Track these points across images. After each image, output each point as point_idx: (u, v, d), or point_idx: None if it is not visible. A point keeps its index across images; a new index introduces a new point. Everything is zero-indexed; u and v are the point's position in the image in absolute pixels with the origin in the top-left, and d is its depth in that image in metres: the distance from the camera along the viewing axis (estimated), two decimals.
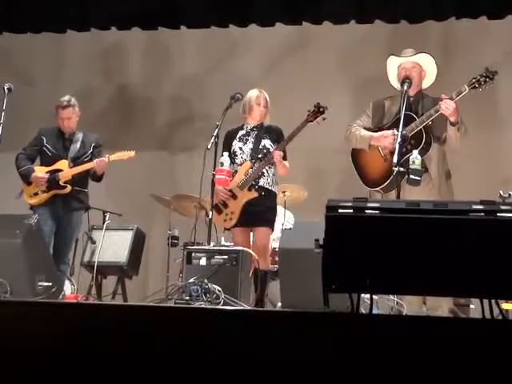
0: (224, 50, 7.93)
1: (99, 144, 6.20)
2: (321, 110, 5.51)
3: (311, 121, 5.50)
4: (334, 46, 7.57)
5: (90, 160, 6.05)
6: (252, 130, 5.65)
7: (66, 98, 6.11)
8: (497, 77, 4.80)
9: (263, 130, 5.62)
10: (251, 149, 5.58)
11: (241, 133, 5.66)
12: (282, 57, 7.75)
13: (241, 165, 5.56)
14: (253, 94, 5.63)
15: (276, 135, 5.59)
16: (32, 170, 6.00)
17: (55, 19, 7.44)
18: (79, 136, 6.14)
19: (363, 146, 5.11)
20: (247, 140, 5.62)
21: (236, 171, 5.56)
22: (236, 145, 5.62)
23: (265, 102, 5.62)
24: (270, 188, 5.55)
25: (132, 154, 6.16)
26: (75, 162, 6.04)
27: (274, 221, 5.60)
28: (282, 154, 5.46)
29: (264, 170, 5.53)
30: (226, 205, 5.52)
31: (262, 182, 5.53)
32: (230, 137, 5.67)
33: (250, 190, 5.50)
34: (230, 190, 5.49)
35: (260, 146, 5.56)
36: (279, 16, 7.11)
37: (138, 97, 8.19)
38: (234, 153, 5.60)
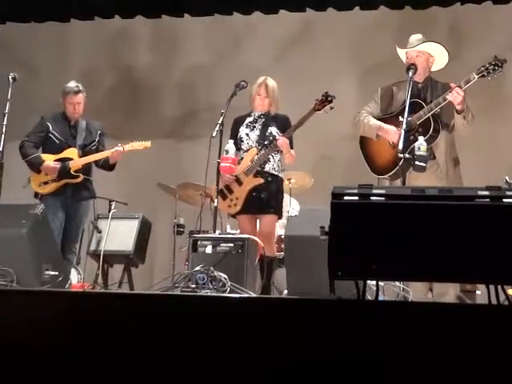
0: (231, 39, 7.90)
1: (104, 132, 6.18)
2: (329, 99, 5.47)
3: (319, 109, 5.48)
4: (340, 33, 7.53)
5: (97, 148, 6.04)
6: (259, 117, 5.63)
7: (74, 83, 6.07)
8: (508, 62, 4.78)
9: (270, 118, 5.60)
10: (258, 135, 5.57)
11: (248, 119, 5.65)
12: (288, 44, 7.72)
13: (247, 151, 5.56)
14: (255, 83, 5.61)
15: (283, 124, 5.57)
16: (41, 159, 5.92)
17: (59, 8, 7.43)
18: (83, 123, 6.09)
19: (371, 135, 5.11)
20: (254, 127, 5.61)
21: (242, 158, 5.55)
22: (243, 131, 5.61)
23: (265, 91, 5.56)
24: (275, 173, 5.54)
25: (148, 144, 6.08)
26: (83, 150, 6.00)
27: (281, 207, 5.59)
28: (287, 141, 5.45)
29: (270, 156, 5.53)
30: (231, 190, 5.53)
31: (267, 167, 5.53)
32: (237, 123, 5.67)
33: (255, 176, 5.50)
34: (236, 176, 5.49)
35: (267, 133, 5.55)
36: (282, 3, 7.08)
37: (144, 85, 8.18)
38: (241, 139, 5.59)
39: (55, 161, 5.93)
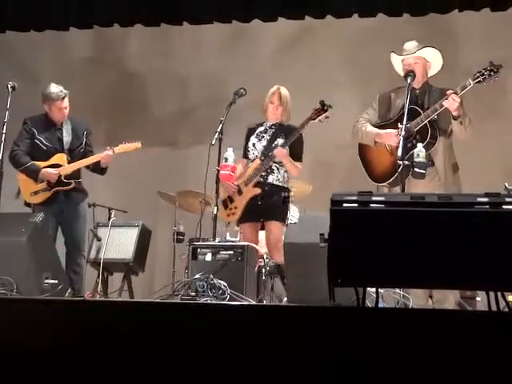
0: (229, 44, 7.91)
1: (90, 131, 6.01)
2: (325, 108, 5.44)
3: (313, 119, 5.44)
4: (338, 40, 7.55)
5: (85, 150, 5.91)
6: (270, 127, 5.61)
7: (57, 87, 5.84)
8: (505, 68, 4.79)
9: (281, 129, 5.56)
10: (264, 146, 5.54)
11: (259, 129, 5.63)
12: (286, 51, 7.73)
13: (253, 161, 5.55)
14: (269, 92, 5.58)
15: (292, 135, 5.48)
16: (37, 166, 5.74)
17: (58, 17, 7.44)
18: (68, 124, 5.90)
19: (368, 143, 5.11)
20: (263, 137, 5.59)
21: (249, 167, 5.55)
22: (251, 141, 5.60)
23: (278, 99, 5.54)
24: (279, 184, 5.52)
25: (138, 145, 6.00)
26: (71, 154, 5.86)
27: (286, 214, 5.51)
28: (285, 151, 5.40)
29: (274, 167, 5.51)
30: (232, 200, 5.54)
31: (270, 178, 5.50)
32: (250, 132, 5.66)
33: (255, 186, 5.49)
34: (238, 186, 5.50)
35: (273, 145, 5.51)
36: (281, 11, 7.09)
37: (143, 92, 8.18)
38: (248, 148, 5.59)
39: (44, 168, 5.76)
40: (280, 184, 5.53)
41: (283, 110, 5.57)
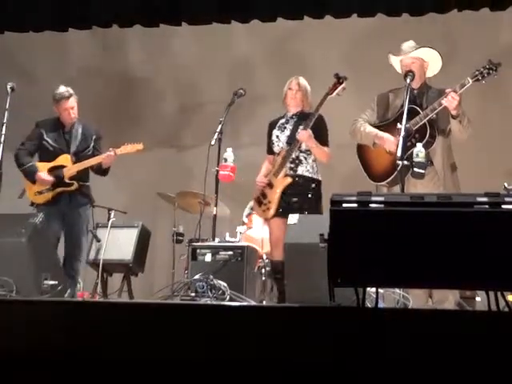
0: (228, 44, 7.91)
1: (99, 136, 6.07)
2: (340, 80, 5.36)
3: (331, 94, 5.35)
4: (337, 40, 7.55)
5: (93, 153, 5.93)
6: (291, 117, 5.51)
7: (64, 88, 5.94)
8: (504, 67, 4.78)
9: (303, 117, 5.43)
10: (287, 136, 5.43)
11: (281, 121, 5.54)
12: (285, 50, 7.73)
13: (279, 154, 5.45)
14: (287, 81, 5.52)
15: (314, 121, 5.35)
16: (35, 168, 5.83)
17: (57, 18, 7.44)
18: (79, 128, 5.96)
19: (367, 143, 5.11)
20: (285, 128, 5.48)
21: (276, 160, 5.47)
22: (274, 133, 5.50)
23: (297, 85, 5.46)
24: (310, 175, 5.38)
25: (140, 146, 5.98)
26: (77, 156, 5.89)
27: (319, 209, 5.32)
28: (308, 132, 5.27)
29: (302, 158, 5.39)
30: (264, 195, 5.42)
31: (300, 170, 5.38)
32: (271, 126, 5.57)
33: (285, 176, 5.36)
34: (269, 180, 5.40)
35: (296, 133, 5.38)
36: (280, 11, 7.08)
37: (143, 92, 8.18)
38: (272, 142, 5.50)
39: (49, 169, 5.82)
40: (310, 175, 5.39)
41: (302, 95, 5.47)
